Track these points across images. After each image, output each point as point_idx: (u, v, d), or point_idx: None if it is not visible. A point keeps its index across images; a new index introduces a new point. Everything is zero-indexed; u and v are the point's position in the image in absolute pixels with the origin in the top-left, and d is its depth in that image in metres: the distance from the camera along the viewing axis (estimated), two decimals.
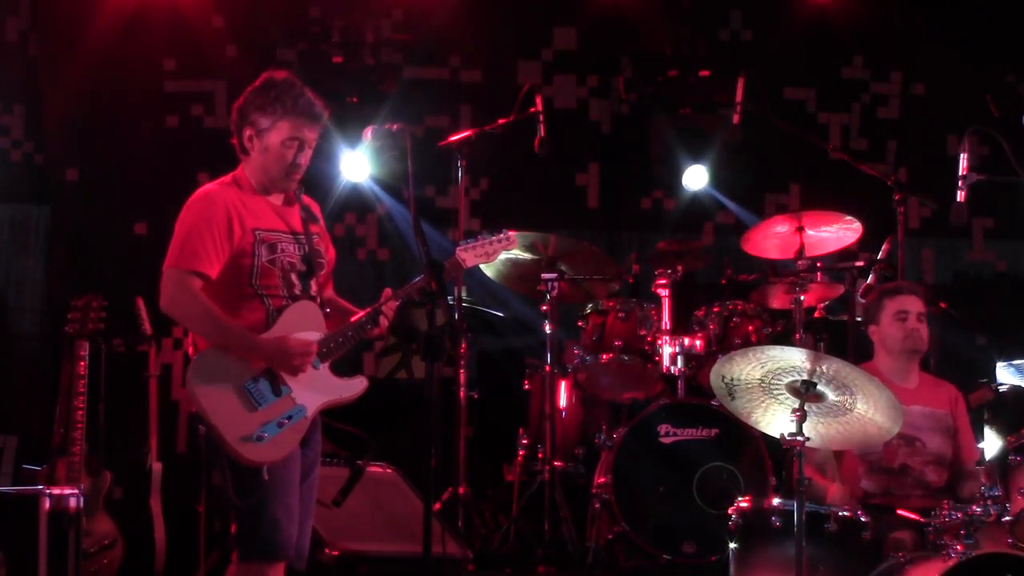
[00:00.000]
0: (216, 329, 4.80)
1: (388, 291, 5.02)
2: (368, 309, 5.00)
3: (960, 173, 5.61)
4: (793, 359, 5.09)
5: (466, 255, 5.25)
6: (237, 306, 4.86)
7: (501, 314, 8.18)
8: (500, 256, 7.52)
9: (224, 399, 4.76)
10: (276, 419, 4.79)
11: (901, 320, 6.16)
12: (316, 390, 4.89)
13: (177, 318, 4.96)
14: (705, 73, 8.92)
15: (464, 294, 7.56)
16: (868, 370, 6.03)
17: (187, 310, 4.83)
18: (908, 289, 6.29)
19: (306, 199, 5.12)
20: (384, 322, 4.99)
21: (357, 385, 4.99)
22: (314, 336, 4.90)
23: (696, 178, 8.95)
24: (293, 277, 4.94)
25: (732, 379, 5.22)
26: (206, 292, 4.82)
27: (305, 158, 4.97)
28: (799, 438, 5.10)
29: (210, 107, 8.85)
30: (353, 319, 5.01)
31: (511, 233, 5.39)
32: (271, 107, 4.91)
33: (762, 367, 5.15)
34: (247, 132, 4.96)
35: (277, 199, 5.04)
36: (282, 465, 4.81)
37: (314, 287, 5.00)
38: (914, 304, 6.20)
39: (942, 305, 7.75)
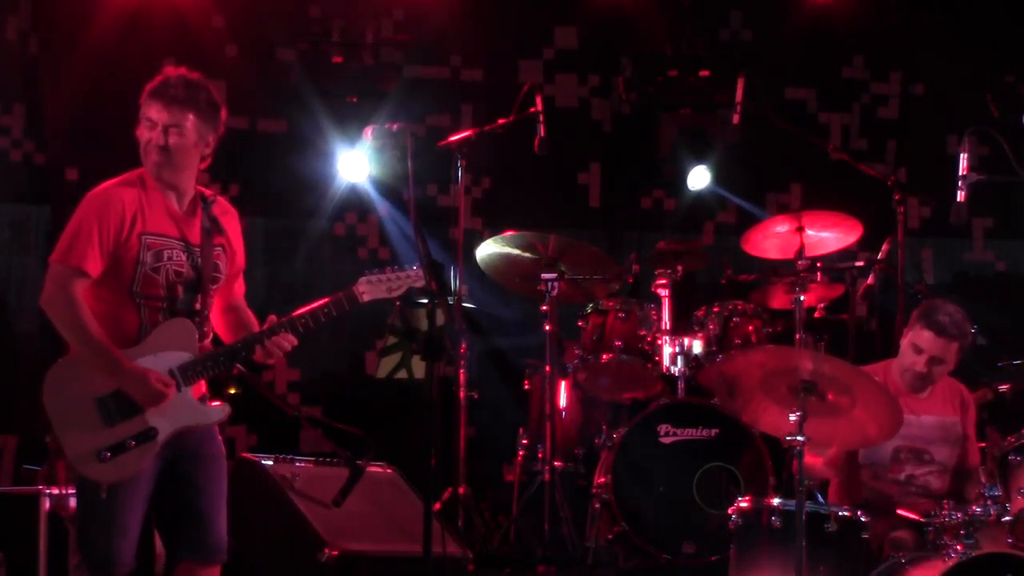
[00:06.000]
0: (85, 341, 4.69)
1: (272, 318, 4.89)
2: (265, 327, 4.86)
3: (960, 173, 5.60)
4: (793, 359, 5.09)
5: (366, 288, 4.96)
6: (115, 311, 4.76)
7: (494, 312, 8.16)
8: (493, 254, 7.56)
9: (74, 411, 4.68)
10: (124, 439, 4.68)
11: (916, 352, 5.94)
12: (173, 414, 4.75)
13: (51, 318, 4.79)
14: (705, 73, 8.92)
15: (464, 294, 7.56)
16: (883, 369, 6.05)
17: (62, 314, 4.73)
18: (944, 330, 5.86)
19: (221, 206, 4.98)
20: (269, 348, 4.82)
21: (219, 412, 4.87)
22: (184, 356, 4.78)
23: (700, 178, 8.96)
24: (179, 288, 4.81)
25: (732, 379, 5.22)
26: (88, 292, 4.73)
27: (156, 138, 4.86)
28: (799, 438, 5.10)
29: None
30: (231, 342, 4.90)
31: (419, 270, 4.98)
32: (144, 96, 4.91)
33: (762, 367, 5.15)
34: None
35: (180, 202, 4.89)
36: (123, 485, 4.69)
37: (200, 301, 4.85)
38: (939, 349, 5.87)
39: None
